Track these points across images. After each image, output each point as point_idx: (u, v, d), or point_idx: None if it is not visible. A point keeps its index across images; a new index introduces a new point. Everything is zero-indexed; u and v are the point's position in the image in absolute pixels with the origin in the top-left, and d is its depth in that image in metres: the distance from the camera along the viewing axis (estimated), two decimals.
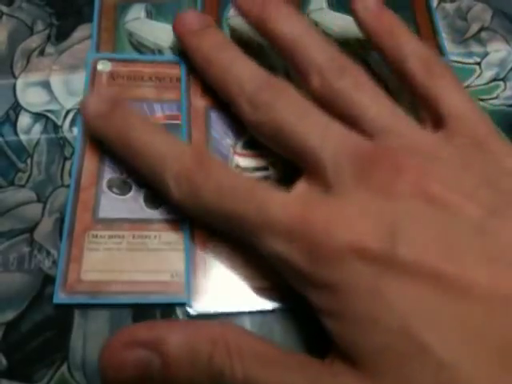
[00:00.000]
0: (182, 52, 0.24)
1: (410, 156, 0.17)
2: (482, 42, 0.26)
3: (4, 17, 0.25)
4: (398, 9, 0.26)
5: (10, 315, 0.19)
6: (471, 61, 0.25)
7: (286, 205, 0.17)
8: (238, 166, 0.22)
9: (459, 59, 0.25)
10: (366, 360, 0.15)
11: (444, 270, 0.14)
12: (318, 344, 0.16)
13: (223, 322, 0.19)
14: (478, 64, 0.25)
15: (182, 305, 0.19)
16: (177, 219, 0.20)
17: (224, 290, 0.19)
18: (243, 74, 0.21)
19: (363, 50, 0.25)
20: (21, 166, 0.22)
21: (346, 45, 0.25)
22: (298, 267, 0.16)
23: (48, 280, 0.19)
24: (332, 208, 0.16)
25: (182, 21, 0.23)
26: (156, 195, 0.20)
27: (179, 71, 0.24)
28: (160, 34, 0.25)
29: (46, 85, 0.24)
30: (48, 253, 0.20)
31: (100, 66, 0.24)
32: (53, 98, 0.23)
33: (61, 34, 0.25)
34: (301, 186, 0.18)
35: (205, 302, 0.19)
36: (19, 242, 0.20)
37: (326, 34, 0.25)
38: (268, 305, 0.19)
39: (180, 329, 0.16)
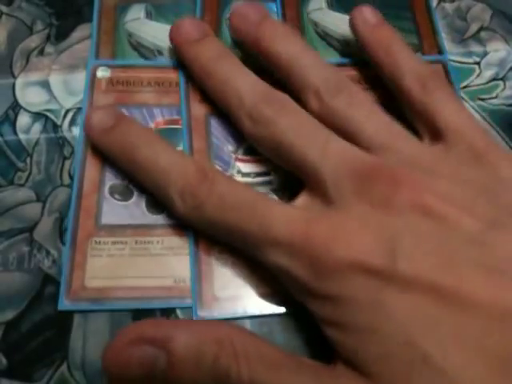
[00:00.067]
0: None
1: (409, 170, 0.17)
2: (481, 42, 0.26)
3: (3, 16, 0.25)
4: (398, 9, 0.26)
5: (9, 315, 0.19)
6: (471, 60, 0.25)
7: (289, 221, 0.17)
8: (239, 172, 0.22)
9: (459, 59, 0.25)
10: (369, 367, 0.15)
11: (443, 283, 0.15)
12: (319, 347, 0.17)
13: (228, 322, 0.18)
14: (478, 64, 0.25)
15: (187, 309, 0.19)
16: (179, 224, 0.20)
17: (230, 295, 0.19)
18: (243, 86, 0.20)
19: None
20: (20, 165, 0.22)
21: (345, 45, 0.25)
22: (299, 280, 0.16)
23: (48, 279, 0.19)
24: (333, 223, 0.17)
25: (179, 30, 0.23)
26: (158, 201, 0.20)
27: (178, 76, 0.24)
28: (160, 34, 0.25)
29: (46, 84, 0.24)
30: (48, 252, 0.20)
31: (99, 74, 0.24)
32: (52, 97, 0.23)
33: (60, 34, 0.25)
34: (302, 199, 0.19)
35: (211, 307, 0.19)
36: (19, 241, 0.20)
37: (326, 34, 0.25)
38: (274, 309, 0.19)
39: (186, 328, 0.16)
